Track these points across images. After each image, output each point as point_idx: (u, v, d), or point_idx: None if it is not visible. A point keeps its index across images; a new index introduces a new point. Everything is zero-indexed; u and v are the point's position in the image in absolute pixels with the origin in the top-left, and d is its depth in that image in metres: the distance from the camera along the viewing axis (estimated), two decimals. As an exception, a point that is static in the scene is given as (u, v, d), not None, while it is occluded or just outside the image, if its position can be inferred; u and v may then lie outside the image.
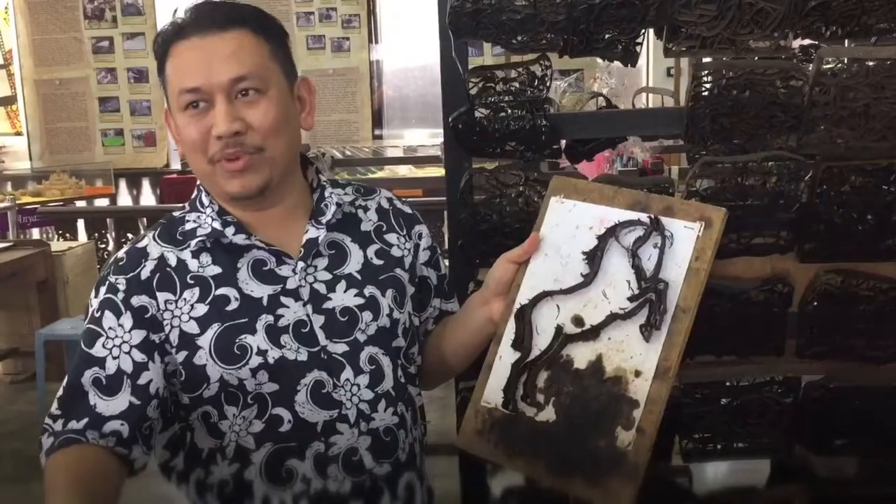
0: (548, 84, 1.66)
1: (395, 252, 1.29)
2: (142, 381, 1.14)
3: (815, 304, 1.67)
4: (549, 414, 1.12)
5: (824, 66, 1.57)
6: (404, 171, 5.60)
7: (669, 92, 1.96)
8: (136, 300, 1.15)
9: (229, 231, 1.18)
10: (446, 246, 1.77)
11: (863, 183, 1.59)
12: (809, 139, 1.61)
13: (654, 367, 1.07)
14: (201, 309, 1.14)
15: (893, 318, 1.63)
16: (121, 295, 1.15)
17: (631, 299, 1.10)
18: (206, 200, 1.20)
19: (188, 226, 1.20)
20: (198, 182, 1.22)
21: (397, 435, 1.24)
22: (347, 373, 1.19)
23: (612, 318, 1.11)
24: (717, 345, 1.72)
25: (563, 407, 1.12)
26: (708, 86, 1.60)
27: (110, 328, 1.14)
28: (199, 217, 1.19)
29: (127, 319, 1.14)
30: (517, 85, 1.65)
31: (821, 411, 1.72)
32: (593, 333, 1.13)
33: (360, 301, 1.22)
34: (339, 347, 1.18)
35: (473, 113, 1.63)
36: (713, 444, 1.77)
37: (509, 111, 1.62)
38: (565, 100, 2.05)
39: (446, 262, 1.46)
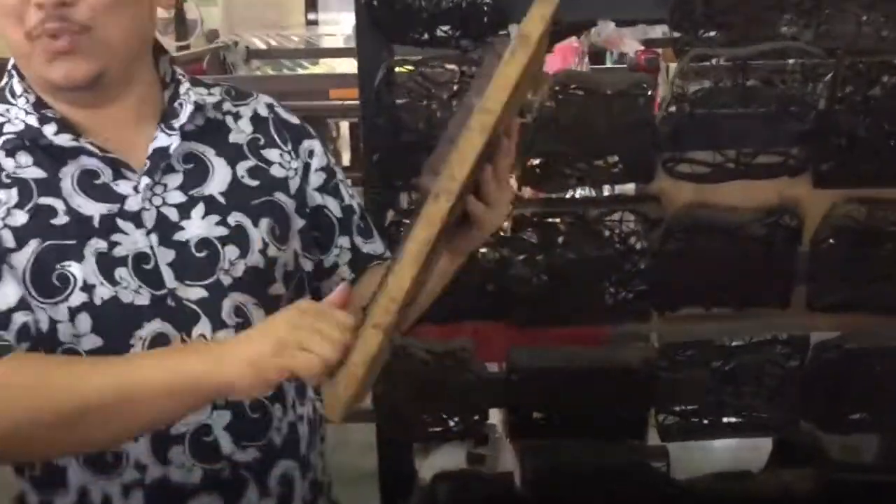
0: (491, -53, 1.64)
1: (276, 171, 1.26)
2: None
3: (832, 241, 1.68)
4: None
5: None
6: (345, 66, 5.42)
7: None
8: None
9: (49, 129, 1.14)
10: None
11: (896, 84, 1.59)
12: (830, 28, 1.60)
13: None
14: (20, 217, 1.11)
15: (929, 260, 1.66)
16: None
17: None
18: (18, 88, 1.16)
19: None
20: (9, 66, 1.18)
21: (270, 410, 1.22)
22: (203, 326, 1.15)
23: None
24: (705, 293, 1.73)
25: None
26: (700, -46, 1.59)
27: None
28: (8, 110, 1.16)
29: None
30: (451, -52, 1.64)
31: (833, 378, 1.74)
32: None
33: (223, 231, 1.19)
34: (193, 293, 1.16)
35: (393, -15, 1.65)
36: (698, 418, 1.79)
37: (440, -17, 1.64)
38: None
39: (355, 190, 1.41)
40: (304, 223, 1.28)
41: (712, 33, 1.63)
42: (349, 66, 5.58)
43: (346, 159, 5.88)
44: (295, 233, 1.26)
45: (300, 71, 5.64)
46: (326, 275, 1.31)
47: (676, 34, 1.66)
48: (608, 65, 3.50)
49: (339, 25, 6.29)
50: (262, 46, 5.79)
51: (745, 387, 1.76)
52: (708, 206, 1.71)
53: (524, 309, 1.78)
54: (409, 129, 1.69)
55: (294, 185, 1.27)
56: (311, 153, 1.30)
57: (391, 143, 1.71)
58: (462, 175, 1.00)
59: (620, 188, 2.14)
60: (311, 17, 6.52)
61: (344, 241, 1.32)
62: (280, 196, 1.25)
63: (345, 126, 5.69)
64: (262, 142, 1.27)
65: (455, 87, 1.68)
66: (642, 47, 2.88)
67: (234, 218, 1.19)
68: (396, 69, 1.70)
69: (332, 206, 1.31)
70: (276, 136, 1.28)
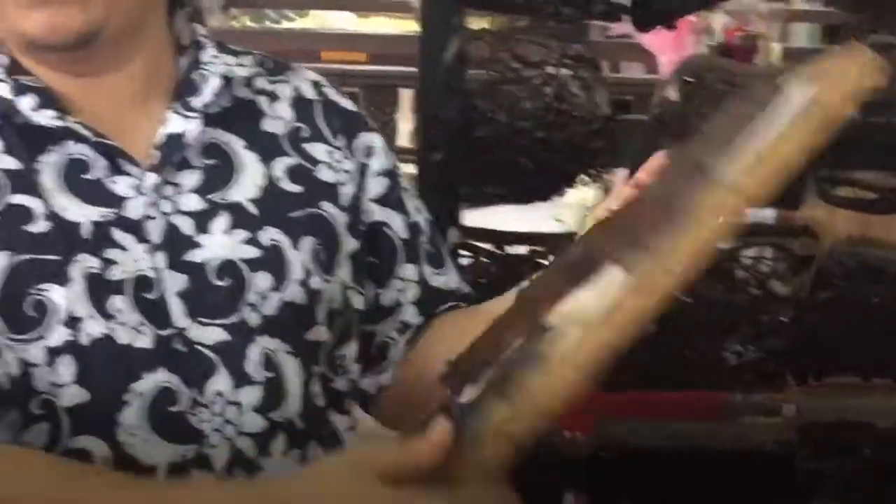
0: None
1: (324, 174, 1.21)
2: None
3: None
4: None
5: None
6: (340, 20, 5.38)
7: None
8: None
9: (26, 103, 1.09)
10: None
11: None
12: None
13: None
14: None
15: None
16: None
17: None
18: None
19: None
20: None
21: None
22: (220, 380, 1.09)
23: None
24: (863, 358, 1.65)
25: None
26: None
27: None
28: None
29: None
30: None
31: None
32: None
33: (253, 252, 1.14)
34: (209, 334, 1.10)
35: (475, -69, 1.60)
36: (847, 522, 1.72)
37: (539, -67, 1.59)
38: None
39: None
40: (358, 245, 1.21)
41: (897, 17, 1.58)
42: (345, 20, 5.52)
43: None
44: (345, 257, 1.20)
45: (285, 24, 5.58)
46: (384, 316, 1.26)
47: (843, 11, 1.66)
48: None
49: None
50: (239, -10, 5.70)
51: (908, 483, 1.67)
52: (874, 242, 1.63)
53: (619, 368, 1.65)
54: (485, 122, 1.62)
55: (346, 193, 1.22)
56: (369, 151, 1.25)
57: (460, 139, 1.63)
58: (680, 268, 0.86)
59: (758, 215, 2.04)
60: (301, -45, 6.50)
61: (409, 272, 1.27)
62: (328, 207, 1.19)
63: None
64: (305, 132, 1.21)
65: (551, 70, 1.60)
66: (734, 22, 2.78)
67: (268, 235, 1.14)
68: (473, 42, 1.63)
69: (396, 223, 1.26)
70: (324, 127, 1.24)
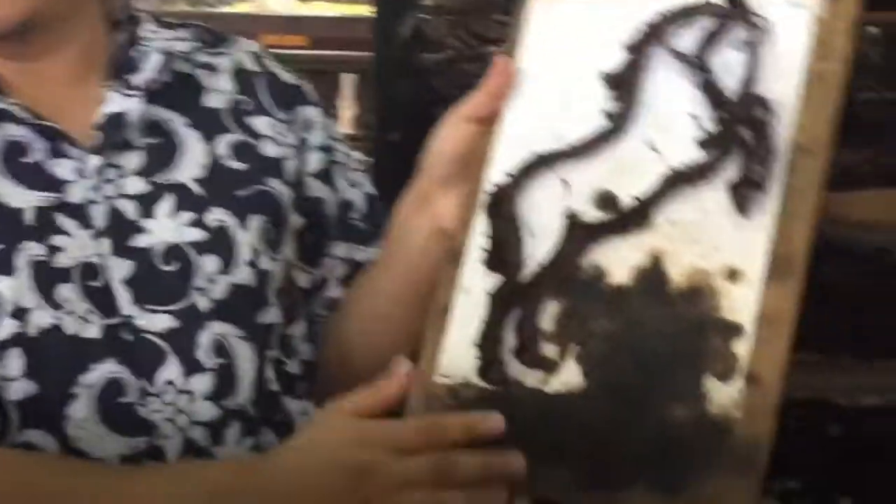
0: None
1: (268, 149, 1.21)
2: None
3: None
4: (569, 377, 0.98)
5: None
6: (278, 3, 5.34)
7: None
8: None
9: None
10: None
11: None
12: None
13: (762, 259, 0.91)
14: None
15: None
16: None
17: (705, 144, 0.95)
18: None
19: None
20: None
21: None
22: (170, 369, 1.09)
23: (673, 181, 0.96)
24: (827, 338, 1.65)
25: (598, 360, 0.97)
26: None
27: None
28: None
29: None
30: None
31: None
32: (638, 216, 0.98)
33: (199, 235, 1.14)
34: (157, 322, 1.10)
35: None
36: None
37: None
38: None
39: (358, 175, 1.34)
40: (302, 221, 1.23)
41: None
42: (284, 5, 5.45)
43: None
44: (290, 235, 1.21)
45: (222, 8, 5.52)
46: (313, 293, 1.28)
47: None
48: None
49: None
50: (176, -29, 5.66)
51: (867, 460, 1.68)
52: (836, 221, 1.62)
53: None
54: (442, 101, 1.50)
55: (290, 168, 1.22)
56: (307, 125, 1.25)
57: (417, 118, 1.61)
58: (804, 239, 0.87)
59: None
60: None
61: (339, 250, 1.27)
62: (274, 184, 1.20)
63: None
64: (248, 105, 1.22)
65: (510, 47, 1.57)
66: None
67: (214, 216, 1.14)
68: (429, 20, 1.65)
69: (329, 200, 1.27)
70: (266, 99, 1.24)
